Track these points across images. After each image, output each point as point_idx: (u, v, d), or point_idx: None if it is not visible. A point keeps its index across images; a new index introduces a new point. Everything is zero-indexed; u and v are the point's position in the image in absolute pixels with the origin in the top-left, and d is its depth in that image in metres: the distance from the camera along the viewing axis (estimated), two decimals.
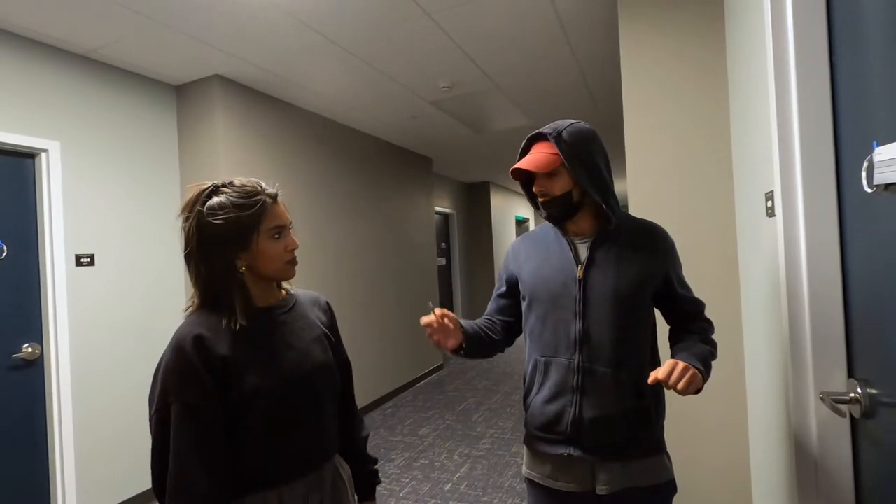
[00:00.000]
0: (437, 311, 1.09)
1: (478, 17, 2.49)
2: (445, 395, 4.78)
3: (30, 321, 2.41)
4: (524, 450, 1.25)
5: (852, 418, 1.06)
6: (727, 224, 1.85)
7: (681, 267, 1.22)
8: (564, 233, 1.20)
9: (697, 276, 1.80)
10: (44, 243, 2.45)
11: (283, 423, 0.98)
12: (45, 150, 2.45)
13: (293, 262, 1.04)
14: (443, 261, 7.08)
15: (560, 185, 1.14)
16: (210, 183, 1.00)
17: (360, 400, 4.15)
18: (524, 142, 1.20)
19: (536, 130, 1.17)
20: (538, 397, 1.17)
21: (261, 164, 3.28)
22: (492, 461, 3.17)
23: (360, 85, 3.34)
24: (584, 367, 1.11)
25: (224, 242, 0.95)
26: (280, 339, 1.02)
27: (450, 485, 2.88)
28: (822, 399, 1.06)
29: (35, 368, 2.41)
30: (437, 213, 6.84)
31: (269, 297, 1.06)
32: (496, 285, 1.34)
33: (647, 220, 1.23)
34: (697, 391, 1.02)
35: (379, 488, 2.86)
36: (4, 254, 2.33)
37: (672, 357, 1.14)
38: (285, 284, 1.11)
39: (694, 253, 1.87)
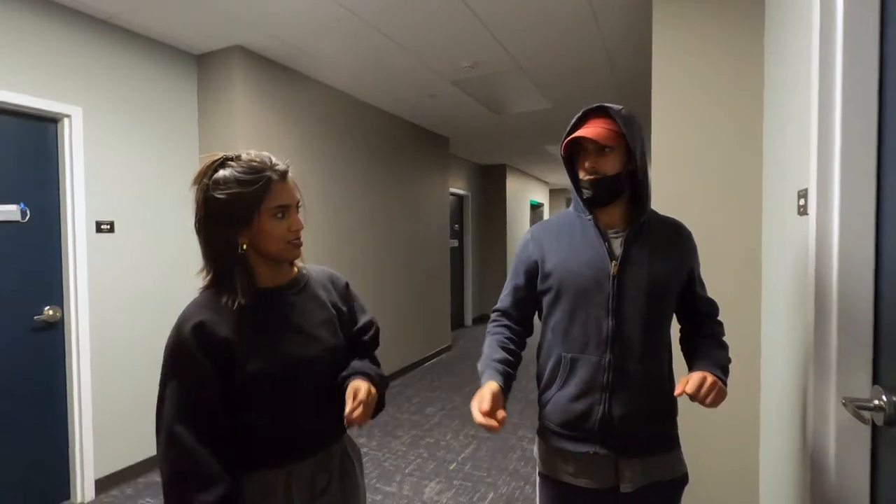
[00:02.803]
0: (498, 415, 0.97)
1: None
2: (453, 375, 4.83)
3: (51, 284, 2.46)
4: (538, 445, 1.23)
5: (874, 426, 1.04)
6: (752, 219, 1.81)
7: (700, 265, 1.20)
8: (594, 223, 1.15)
9: (718, 271, 1.77)
10: (65, 208, 2.48)
11: (288, 405, 0.98)
12: (69, 116, 2.46)
13: (297, 243, 1.01)
14: (455, 242, 7.06)
15: (612, 165, 1.10)
16: (221, 154, 0.98)
17: None
18: (578, 115, 1.14)
19: (595, 104, 1.12)
20: (562, 394, 1.14)
21: (278, 136, 3.27)
22: (497, 443, 3.21)
23: (381, 61, 3.29)
24: (614, 364, 1.09)
25: (225, 218, 0.94)
26: (287, 321, 1.01)
27: (455, 464, 2.92)
28: (844, 404, 1.05)
29: (56, 331, 2.47)
30: (452, 194, 6.80)
31: (279, 277, 1.04)
32: (512, 279, 1.26)
33: (671, 218, 1.21)
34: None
35: (385, 464, 2.92)
36: (28, 217, 2.36)
37: (692, 364, 1.13)
38: (298, 262, 1.09)
39: (716, 247, 1.83)
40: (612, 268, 1.11)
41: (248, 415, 0.95)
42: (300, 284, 1.08)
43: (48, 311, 2.42)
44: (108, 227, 2.64)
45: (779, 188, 1.56)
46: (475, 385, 4.59)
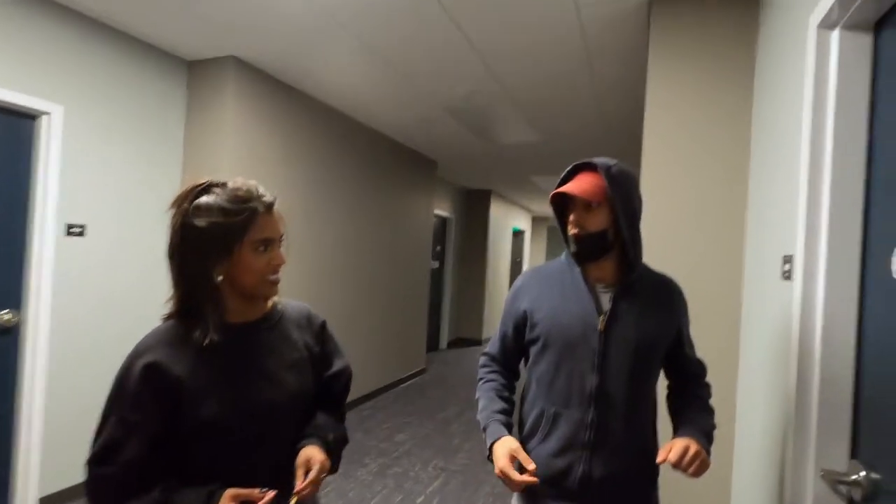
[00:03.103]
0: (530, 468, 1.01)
1: (504, 31, 2.45)
2: (426, 400, 4.75)
3: (11, 287, 2.33)
4: (516, 497, 1.20)
5: (850, 501, 1.04)
6: (732, 280, 1.81)
7: (689, 325, 1.20)
8: (584, 276, 1.15)
9: (696, 329, 1.77)
10: (35, 208, 2.37)
11: (242, 453, 0.92)
12: (48, 113, 2.38)
13: (275, 279, 0.96)
14: (436, 264, 7.04)
15: (597, 222, 1.08)
16: (206, 180, 0.94)
17: None
18: (568, 168, 1.14)
19: (584, 160, 1.12)
20: (543, 448, 1.12)
21: (266, 148, 3.22)
22: (467, 477, 3.14)
23: (376, 83, 3.29)
24: (597, 422, 1.08)
25: (204, 247, 0.89)
26: (251, 362, 0.95)
27: (422, 498, 2.84)
28: (822, 476, 1.04)
29: (10, 336, 2.33)
30: (436, 216, 6.80)
31: (250, 312, 0.99)
32: (501, 326, 1.26)
33: (663, 274, 1.20)
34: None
35: (350, 494, 2.82)
36: None
37: (677, 428, 1.12)
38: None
39: (695, 304, 1.83)
40: (600, 323, 1.09)
41: (197, 459, 0.90)
42: (272, 321, 1.02)
43: (5, 315, 2.29)
44: (80, 230, 2.53)
45: (762, 250, 1.58)
46: (448, 412, 4.53)
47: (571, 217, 1.12)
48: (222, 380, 0.91)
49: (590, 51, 2.61)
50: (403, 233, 5.17)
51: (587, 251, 1.11)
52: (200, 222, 0.88)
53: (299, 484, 0.89)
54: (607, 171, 1.07)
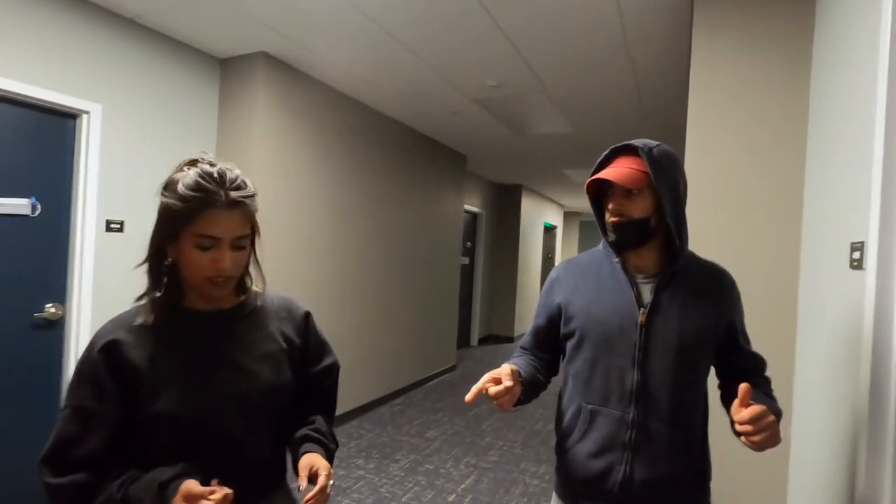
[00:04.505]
0: (506, 380, 0.93)
1: (539, 18, 2.36)
2: (456, 397, 4.70)
3: (55, 281, 2.40)
4: (554, 500, 1.14)
5: None
6: (788, 271, 1.68)
7: (743, 317, 1.10)
8: (624, 266, 1.06)
9: (747, 325, 1.66)
10: (76, 205, 2.44)
11: (202, 452, 0.84)
12: (88, 112, 2.44)
13: (217, 282, 0.87)
14: (466, 260, 6.97)
15: (639, 208, 1.00)
16: (198, 156, 0.91)
17: (371, 393, 4.10)
18: (605, 153, 1.05)
19: (623, 143, 1.03)
20: (580, 448, 1.05)
21: (296, 144, 3.23)
22: (499, 475, 3.07)
23: (405, 76, 3.25)
24: (638, 422, 1.00)
25: (161, 224, 0.87)
26: (218, 352, 0.89)
27: (454, 496, 2.79)
28: None
29: (56, 329, 2.41)
30: (466, 211, 6.73)
31: (220, 300, 0.93)
32: (535, 319, 1.19)
33: (712, 263, 1.10)
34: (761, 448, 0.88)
35: (381, 490, 2.80)
36: (38, 211, 2.32)
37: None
38: (254, 287, 0.99)
39: (744, 300, 1.72)
40: (640, 316, 1.01)
41: (158, 457, 0.82)
42: (246, 310, 0.96)
43: (50, 309, 2.37)
44: (118, 226, 2.60)
45: (824, 237, 1.45)
46: (479, 409, 4.47)
47: (610, 205, 1.03)
48: (182, 371, 0.85)
49: (628, 36, 2.48)
50: (433, 228, 5.13)
51: (627, 240, 1.03)
52: (163, 199, 0.86)
53: (306, 486, 0.83)
54: (649, 153, 0.98)
